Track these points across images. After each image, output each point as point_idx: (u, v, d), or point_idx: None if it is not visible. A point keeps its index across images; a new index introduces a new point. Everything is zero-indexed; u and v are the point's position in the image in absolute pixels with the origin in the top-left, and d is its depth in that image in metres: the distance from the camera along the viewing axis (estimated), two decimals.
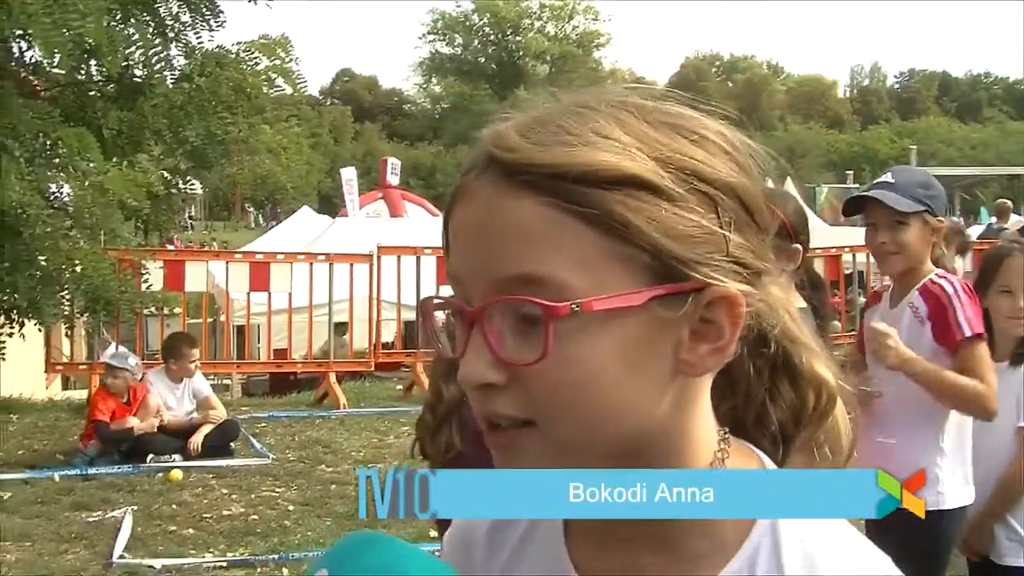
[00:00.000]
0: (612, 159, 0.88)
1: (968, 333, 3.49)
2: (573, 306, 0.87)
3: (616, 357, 0.89)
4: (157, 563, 6.45)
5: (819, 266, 13.13)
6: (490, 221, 0.90)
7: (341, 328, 12.82)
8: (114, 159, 7.93)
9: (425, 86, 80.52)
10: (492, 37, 70.10)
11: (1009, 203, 20.43)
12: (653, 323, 0.89)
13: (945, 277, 3.59)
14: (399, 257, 12.15)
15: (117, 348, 10.18)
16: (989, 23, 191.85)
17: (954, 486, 3.58)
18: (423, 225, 20.02)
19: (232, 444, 9.20)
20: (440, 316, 0.97)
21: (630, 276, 0.88)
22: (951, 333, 3.51)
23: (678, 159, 0.90)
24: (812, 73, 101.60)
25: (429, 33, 72.85)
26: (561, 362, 0.88)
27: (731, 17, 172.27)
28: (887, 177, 3.68)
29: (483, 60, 70.45)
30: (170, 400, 9.20)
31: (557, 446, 0.91)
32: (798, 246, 3.23)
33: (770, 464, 0.99)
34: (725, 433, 0.99)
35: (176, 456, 8.75)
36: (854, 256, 14.43)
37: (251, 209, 62.73)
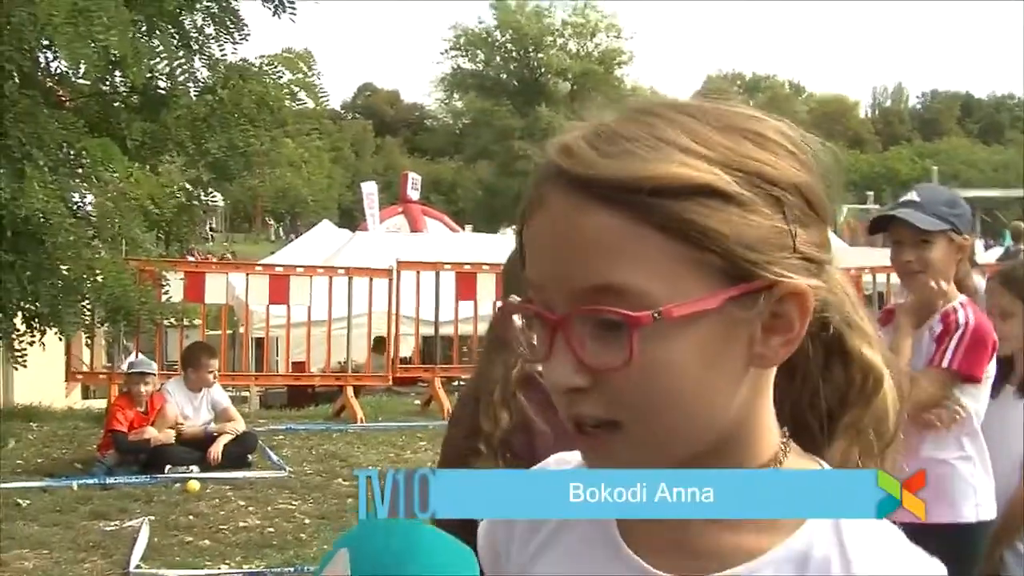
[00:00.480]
0: (682, 170, 0.91)
1: (943, 364, 3.54)
2: (654, 315, 0.91)
3: (695, 358, 0.93)
4: (173, 573, 6.48)
5: None
6: (567, 233, 0.93)
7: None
8: (136, 165, 7.97)
9: (446, 101, 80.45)
10: (514, 53, 69.98)
11: None
12: (728, 323, 0.93)
13: (965, 308, 3.60)
14: (418, 272, 12.17)
15: (138, 356, 10.24)
16: (1013, 45, 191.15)
17: (989, 497, 3.61)
18: (443, 240, 20.06)
19: (250, 456, 9.22)
20: (518, 320, 1.00)
21: (705, 280, 0.92)
22: (934, 356, 3.57)
23: (743, 162, 0.93)
24: (834, 93, 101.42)
25: (451, 49, 72.82)
26: (644, 366, 0.92)
27: (753, 36, 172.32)
28: (912, 195, 3.68)
29: (505, 76, 70.33)
30: (188, 410, 9.23)
31: (644, 445, 0.95)
32: None
33: (826, 466, 1.01)
34: (785, 432, 1.02)
35: (194, 467, 8.78)
36: (874, 277, 14.38)
37: (271, 222, 62.91)
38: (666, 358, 0.92)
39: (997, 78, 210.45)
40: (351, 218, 45.03)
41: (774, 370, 1.00)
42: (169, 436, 8.90)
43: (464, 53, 71.97)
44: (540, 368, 1.01)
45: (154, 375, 9.18)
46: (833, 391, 1.04)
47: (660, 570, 1.00)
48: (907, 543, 0.97)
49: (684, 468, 0.96)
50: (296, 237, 35.22)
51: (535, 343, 0.99)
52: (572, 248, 0.93)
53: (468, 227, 34.33)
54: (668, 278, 0.91)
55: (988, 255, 20.74)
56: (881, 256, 18.08)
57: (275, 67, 8.77)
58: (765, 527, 0.97)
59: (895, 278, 15.29)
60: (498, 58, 70.07)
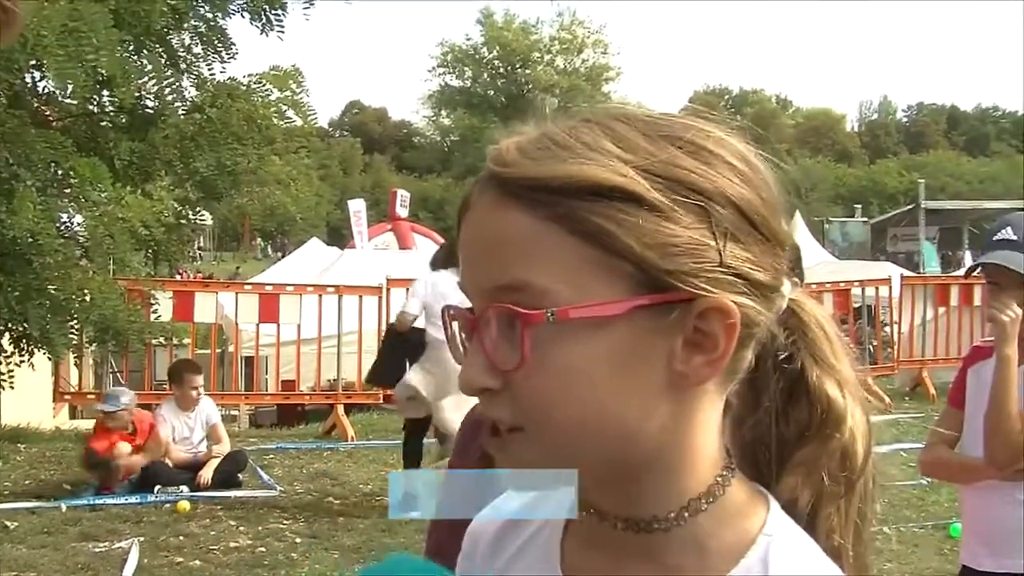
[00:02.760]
0: (592, 171, 0.89)
1: None
2: (548, 314, 0.88)
3: (599, 366, 0.89)
4: None
5: (828, 300, 13.12)
6: (485, 234, 0.92)
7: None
8: (127, 188, 7.97)
9: (434, 118, 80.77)
10: (501, 70, 70.35)
11: None
12: (639, 333, 0.89)
13: None
14: (408, 290, 12.14)
15: (109, 387, 10.09)
16: (997, 57, 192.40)
17: None
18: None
19: (240, 475, 9.18)
20: (456, 327, 0.99)
21: (614, 285, 0.89)
22: None
23: (667, 169, 0.90)
24: (821, 107, 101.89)
25: (439, 66, 73.14)
26: (541, 368, 0.89)
27: (740, 51, 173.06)
28: (1007, 233, 3.30)
29: (492, 93, 70.64)
30: (183, 430, 9.19)
31: (543, 453, 0.92)
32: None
33: (774, 504, 0.98)
34: (731, 462, 0.98)
35: (183, 488, 8.74)
36: (863, 290, 14.42)
37: (259, 240, 62.87)
38: (562, 362, 0.89)
39: (982, 90, 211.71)
40: (340, 236, 45.02)
41: (713, 395, 0.95)
42: (154, 457, 8.86)
43: (452, 70, 72.28)
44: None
45: (124, 409, 9.00)
46: (792, 425, 1.01)
47: None
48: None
49: (603, 487, 0.96)
50: (284, 255, 35.19)
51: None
52: (489, 248, 0.92)
53: None
54: (574, 280, 0.88)
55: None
56: (870, 269, 18.13)
57: (263, 85, 8.77)
58: (695, 568, 0.95)
59: (884, 290, 15.27)
60: (485, 75, 70.36)
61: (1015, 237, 3.26)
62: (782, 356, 1.00)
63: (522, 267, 0.89)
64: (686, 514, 0.95)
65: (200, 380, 9.36)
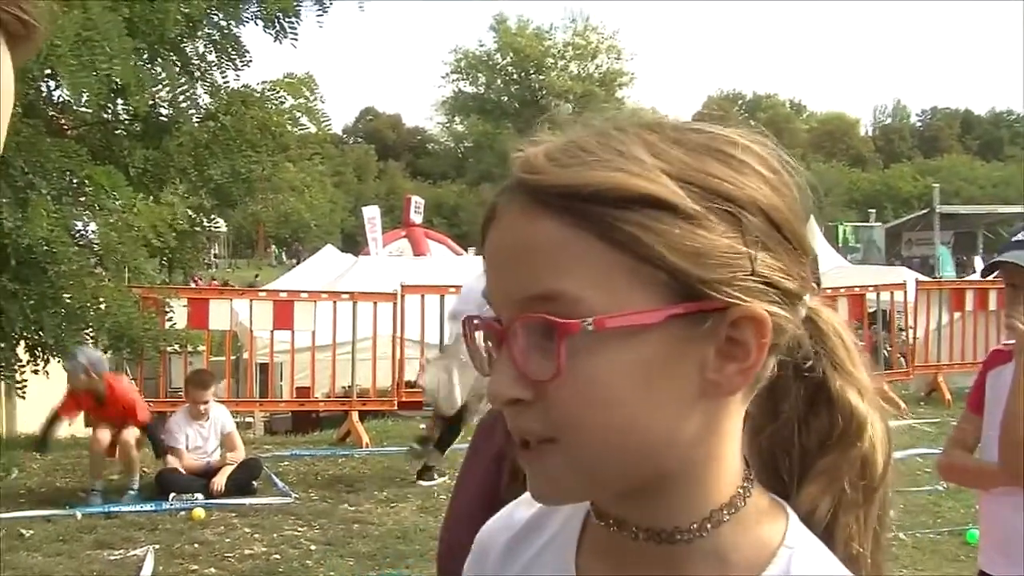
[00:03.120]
0: (626, 178, 0.88)
1: None
2: (585, 323, 0.87)
3: (634, 375, 0.88)
4: None
5: (843, 305, 13.08)
6: (515, 242, 0.91)
7: None
8: (140, 195, 7.97)
9: (448, 125, 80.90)
10: (515, 76, 70.38)
11: None
12: (673, 342, 0.89)
13: None
14: (423, 296, 12.16)
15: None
16: (1011, 61, 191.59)
17: None
18: (447, 264, 20.03)
19: (255, 482, 9.19)
20: (480, 337, 0.98)
21: (647, 294, 0.88)
22: None
23: (700, 177, 0.90)
24: (834, 111, 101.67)
25: (452, 72, 73.26)
26: (577, 379, 0.88)
27: (754, 56, 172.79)
28: None
29: (506, 99, 70.69)
30: (196, 439, 9.22)
31: (577, 464, 0.91)
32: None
33: (793, 516, 0.98)
34: (750, 472, 0.98)
35: (198, 495, 8.76)
36: (878, 295, 14.37)
37: (273, 247, 62.99)
38: (598, 372, 0.88)
39: (996, 94, 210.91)
40: (354, 243, 45.09)
41: (739, 404, 0.95)
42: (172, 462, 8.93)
43: (465, 76, 72.38)
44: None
45: (85, 366, 8.63)
46: (813, 434, 1.01)
47: None
48: None
49: (628, 497, 0.94)
50: (298, 262, 35.23)
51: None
52: (518, 257, 0.90)
53: (471, 250, 34.25)
54: (609, 289, 0.87)
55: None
56: (887, 274, 18.05)
57: (277, 92, 8.78)
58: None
59: (899, 295, 15.17)
60: (499, 81, 70.43)
61: None
62: (805, 365, 0.99)
63: (555, 276, 0.88)
64: (708, 525, 0.94)
65: (207, 395, 9.36)
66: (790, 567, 0.93)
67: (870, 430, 1.00)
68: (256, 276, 40.32)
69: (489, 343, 0.96)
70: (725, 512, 0.94)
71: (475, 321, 0.97)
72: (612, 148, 0.90)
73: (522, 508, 1.13)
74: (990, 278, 3.44)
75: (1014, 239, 3.37)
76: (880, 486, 1.01)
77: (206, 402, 9.32)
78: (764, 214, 0.91)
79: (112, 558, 7.28)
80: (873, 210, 52.06)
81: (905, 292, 14.45)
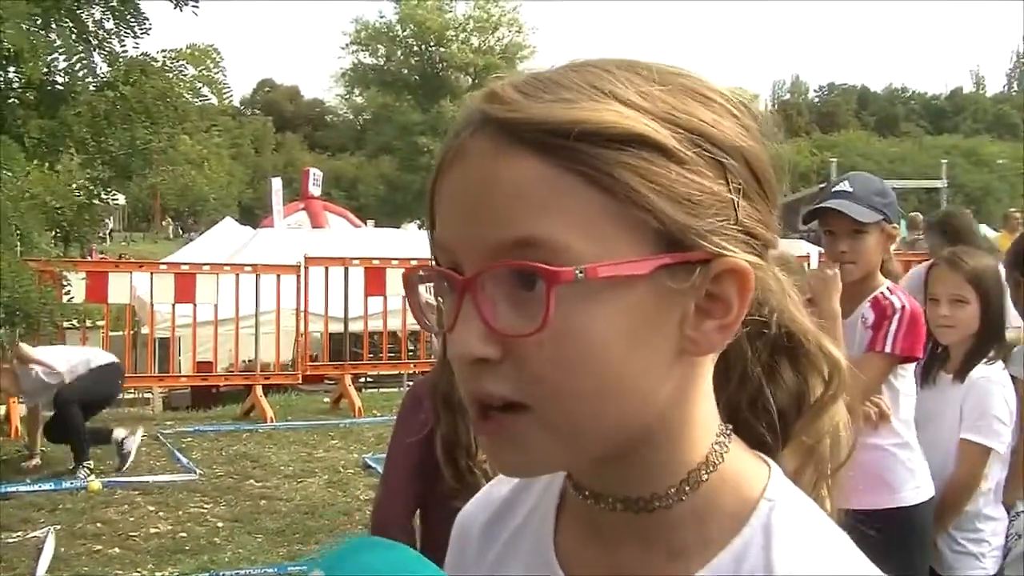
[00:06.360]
0: (615, 117, 0.82)
1: (886, 350, 3.57)
2: (577, 271, 0.80)
3: (619, 331, 0.82)
4: None
5: None
6: (485, 183, 0.83)
7: None
8: (35, 164, 7.75)
9: (347, 97, 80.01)
10: (415, 48, 69.78)
11: (920, 216, 20.80)
12: (659, 295, 0.83)
13: (895, 292, 3.63)
14: (327, 268, 12.07)
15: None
16: (907, 39, 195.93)
17: (925, 476, 3.66)
18: (347, 236, 19.94)
19: (116, 434, 9.02)
20: (424, 291, 0.90)
21: (636, 242, 0.82)
22: (875, 342, 3.58)
23: (686, 120, 0.85)
24: (733, 86, 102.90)
25: (352, 43, 72.29)
26: (561, 334, 0.81)
27: (653, 28, 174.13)
28: (844, 185, 3.69)
29: (406, 71, 70.00)
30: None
31: (555, 433, 0.84)
32: None
33: (776, 469, 0.93)
34: (727, 428, 0.93)
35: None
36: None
37: (169, 221, 61.94)
38: (587, 326, 0.81)
39: (892, 71, 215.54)
40: (252, 215, 44.58)
41: (710, 364, 0.90)
42: None
43: (365, 48, 71.57)
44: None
45: None
46: (785, 395, 0.96)
47: None
48: (843, 551, 0.89)
49: (601, 466, 0.89)
50: (195, 235, 34.69)
51: (440, 313, 0.88)
52: (490, 199, 0.82)
53: (370, 223, 34.05)
54: (596, 236, 0.81)
55: None
56: (789, 247, 18.29)
57: (178, 62, 8.57)
58: (694, 547, 0.89)
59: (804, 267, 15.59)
60: (399, 53, 69.78)
61: (851, 189, 3.65)
62: (775, 315, 0.95)
63: (536, 220, 0.81)
64: (687, 487, 0.90)
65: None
66: (771, 520, 0.89)
67: (844, 373, 0.97)
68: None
69: (440, 298, 0.88)
70: (703, 472, 0.90)
71: (421, 273, 0.90)
72: (594, 85, 0.84)
73: (499, 486, 1.08)
74: (811, 225, 3.78)
75: (834, 189, 3.72)
76: (849, 456, 0.99)
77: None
78: (746, 162, 0.87)
79: (10, 541, 7.08)
80: None
81: (808, 264, 14.69)
